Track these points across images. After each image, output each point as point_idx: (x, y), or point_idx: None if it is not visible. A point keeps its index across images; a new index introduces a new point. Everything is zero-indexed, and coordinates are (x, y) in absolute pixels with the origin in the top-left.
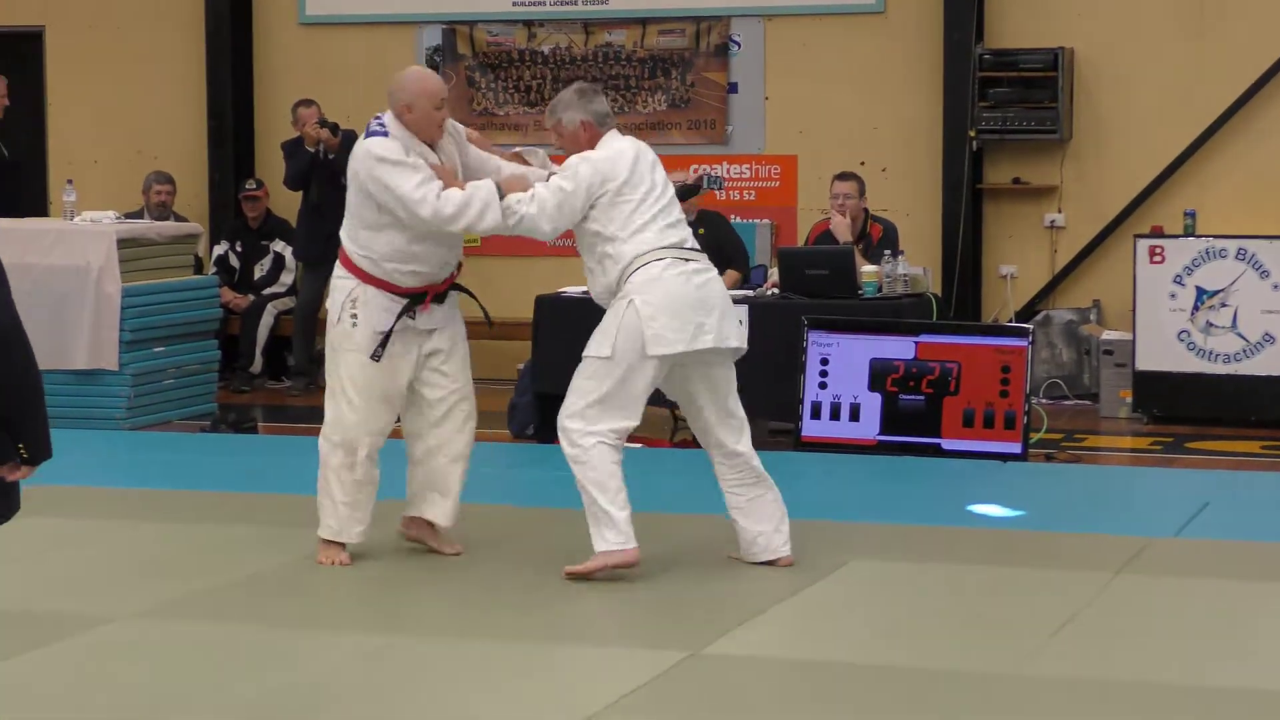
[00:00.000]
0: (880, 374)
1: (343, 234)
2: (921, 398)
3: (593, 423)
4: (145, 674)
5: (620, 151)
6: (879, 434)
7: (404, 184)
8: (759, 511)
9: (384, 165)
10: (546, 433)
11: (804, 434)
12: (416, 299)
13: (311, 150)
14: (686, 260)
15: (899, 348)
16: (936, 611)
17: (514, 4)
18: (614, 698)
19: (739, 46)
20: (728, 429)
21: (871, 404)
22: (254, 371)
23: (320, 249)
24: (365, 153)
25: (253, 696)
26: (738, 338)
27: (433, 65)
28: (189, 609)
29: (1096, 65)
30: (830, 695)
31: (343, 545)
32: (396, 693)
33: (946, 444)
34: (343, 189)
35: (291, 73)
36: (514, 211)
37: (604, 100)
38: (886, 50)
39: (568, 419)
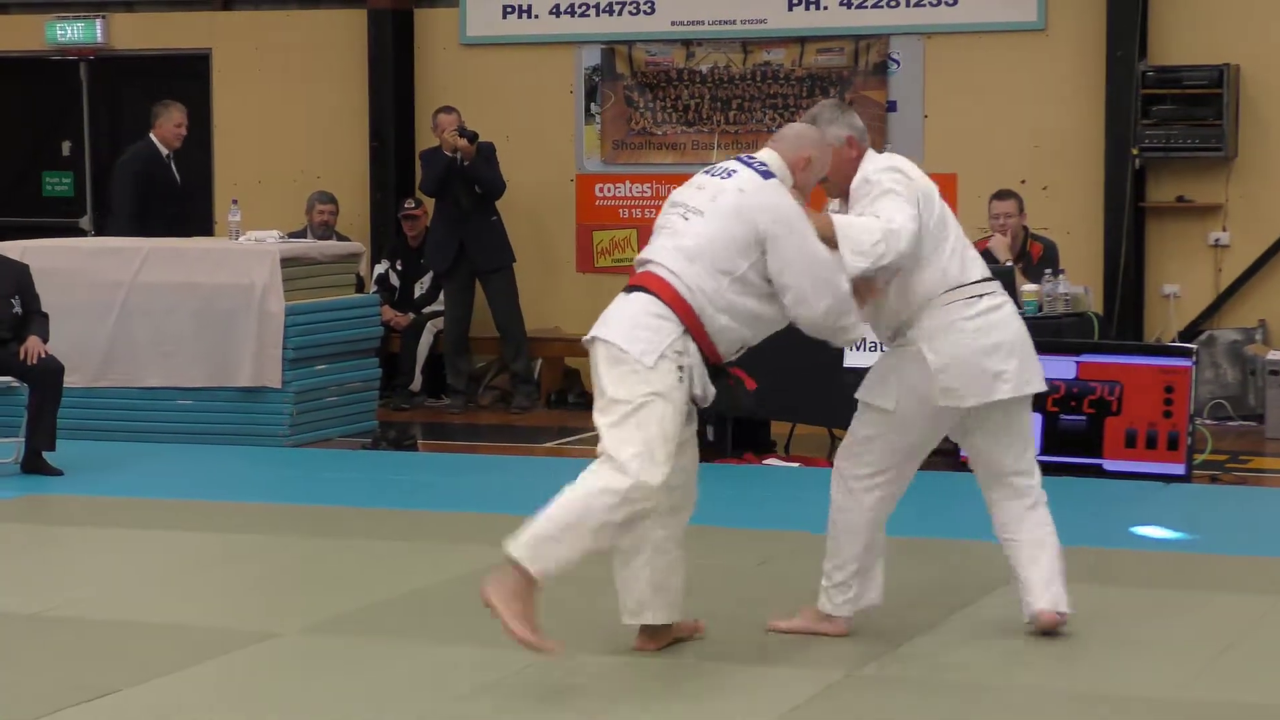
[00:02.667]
0: (1041, 394)
1: (674, 267)
2: (1083, 418)
3: (859, 467)
4: (309, 689)
5: (912, 169)
6: (1040, 454)
7: (814, 267)
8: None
9: (800, 226)
10: (705, 451)
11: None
12: (722, 372)
13: (449, 156)
14: (980, 296)
15: (1060, 368)
16: (1096, 634)
17: (673, 24)
18: (774, 716)
19: (898, 65)
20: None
21: (1032, 424)
22: (414, 389)
23: (452, 257)
24: (775, 196)
25: (413, 714)
26: (1039, 380)
27: (591, 85)
28: (352, 625)
29: (1262, 82)
30: (990, 717)
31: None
32: (556, 710)
33: (1108, 465)
34: (476, 196)
35: (452, 93)
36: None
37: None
38: (1048, 68)
39: (841, 459)
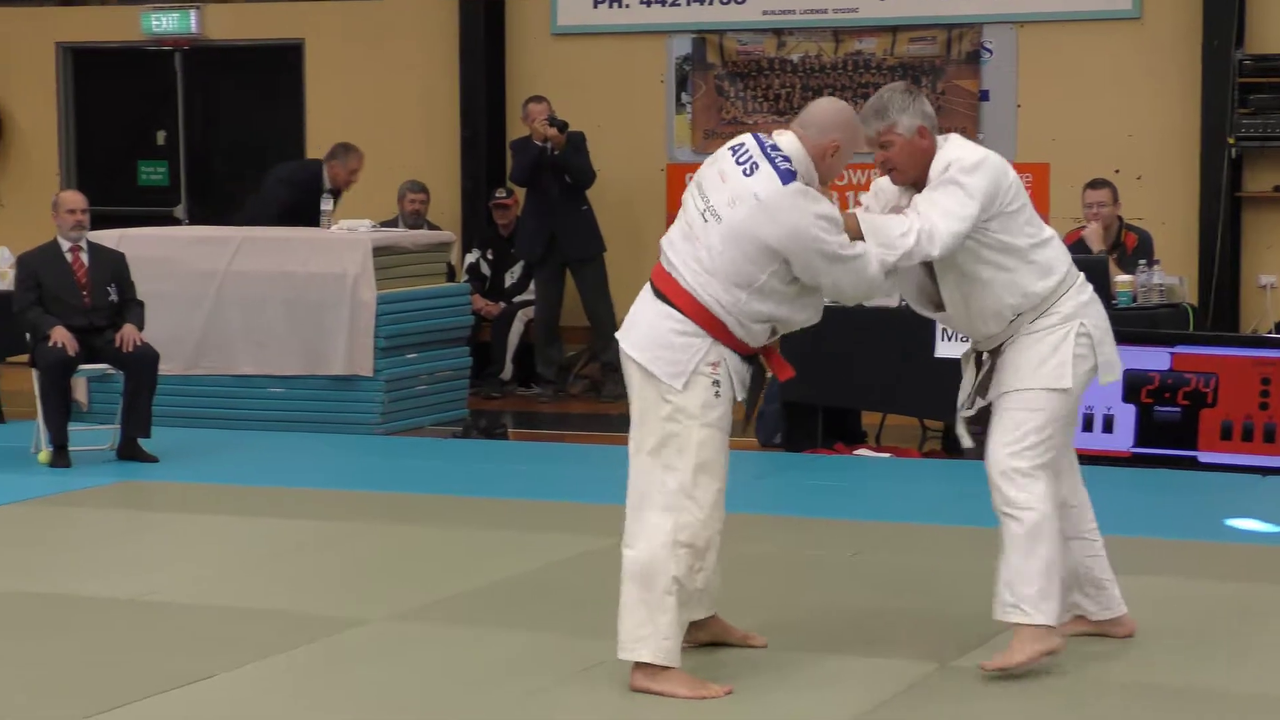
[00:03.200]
0: (1135, 385)
1: (692, 280)
2: (1177, 409)
3: (1040, 463)
4: (397, 676)
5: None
6: (1133, 446)
7: (838, 266)
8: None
9: (817, 234)
10: (795, 440)
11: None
12: (757, 362)
13: (540, 145)
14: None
15: (1154, 358)
16: (1192, 629)
17: (764, 13)
18: (868, 706)
19: (991, 54)
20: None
21: (1126, 415)
22: (504, 378)
23: (542, 247)
24: (788, 208)
25: (500, 701)
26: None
27: (682, 74)
28: (440, 612)
29: None
30: (1084, 712)
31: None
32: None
33: (1203, 456)
34: (566, 186)
35: (543, 82)
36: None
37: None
38: (1142, 56)
39: (1011, 457)
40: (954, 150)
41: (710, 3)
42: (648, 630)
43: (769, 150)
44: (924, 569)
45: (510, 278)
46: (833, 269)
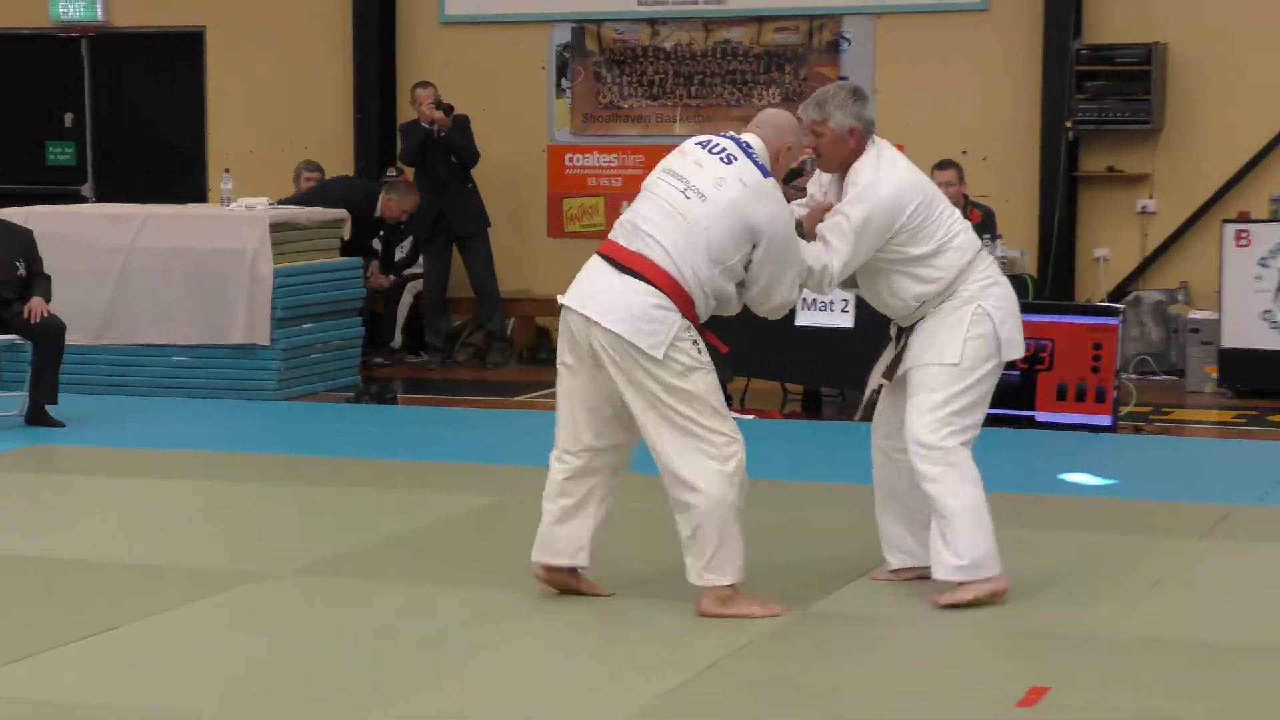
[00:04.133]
0: None
1: (675, 254)
2: (1017, 373)
3: (955, 434)
4: (300, 626)
5: (899, 188)
6: None
7: (787, 277)
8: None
9: (789, 236)
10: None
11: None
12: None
13: (427, 128)
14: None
15: None
16: (1031, 575)
17: (639, 3)
18: (729, 651)
19: (849, 43)
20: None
21: None
22: (395, 347)
23: (431, 223)
24: (777, 202)
25: (393, 648)
26: None
27: (562, 61)
28: (339, 567)
29: (1189, 59)
30: (931, 652)
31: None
32: (515, 646)
33: (1040, 416)
34: (453, 166)
35: (431, 68)
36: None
37: (873, 108)
38: (989, 45)
39: (924, 432)
40: (867, 174)
41: None
42: (723, 556)
43: (744, 146)
44: (785, 523)
45: (400, 252)
46: (785, 265)
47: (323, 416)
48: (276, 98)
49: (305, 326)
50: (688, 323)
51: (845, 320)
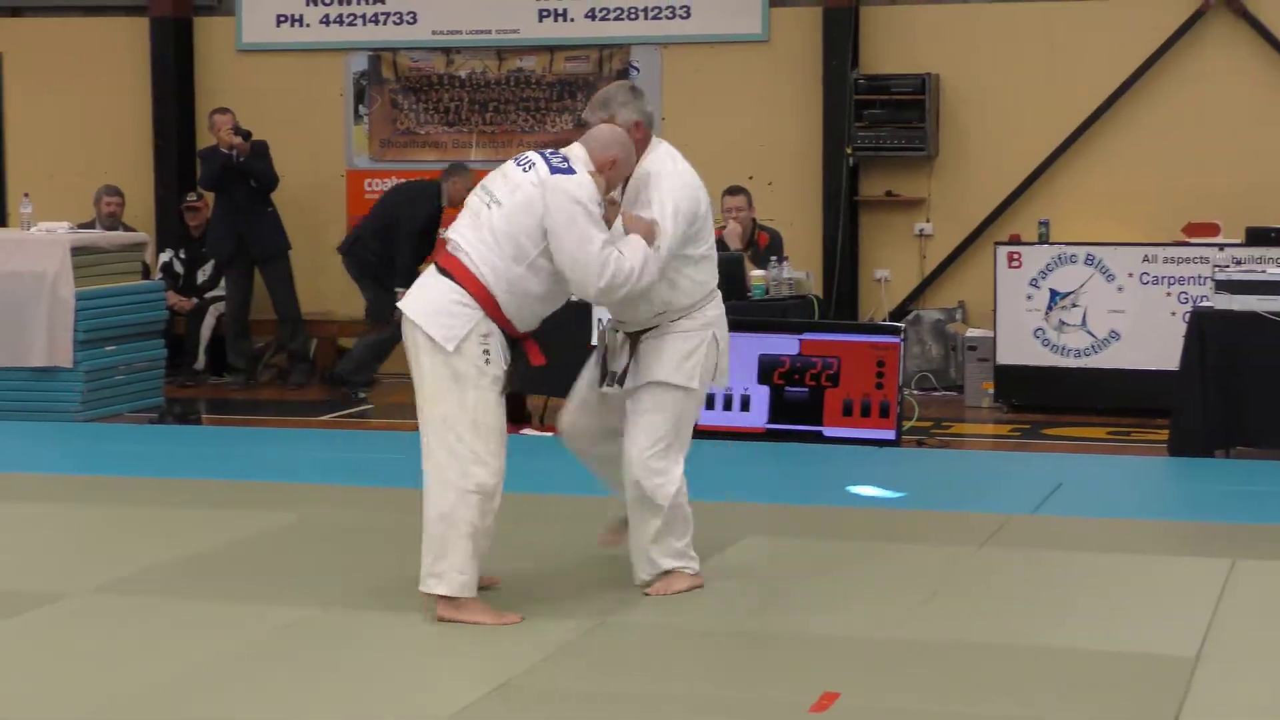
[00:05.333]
0: (768, 368)
1: (475, 256)
2: (805, 390)
3: (678, 453)
4: (97, 644)
5: (693, 176)
6: (767, 422)
7: (591, 247)
8: None
9: (580, 212)
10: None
11: (699, 422)
12: (518, 347)
13: (226, 153)
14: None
15: (785, 344)
16: (819, 582)
17: (433, 33)
18: (527, 665)
19: (638, 71)
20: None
21: (760, 395)
22: (198, 368)
23: (232, 247)
24: (561, 190)
25: (188, 663)
26: None
27: (359, 88)
28: (141, 584)
29: (960, 90)
30: (723, 658)
31: (474, 599)
32: (313, 663)
33: (828, 431)
34: (252, 190)
35: (229, 96)
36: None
37: (648, 101)
38: (771, 75)
39: (650, 456)
40: (668, 164)
41: (384, 23)
42: (443, 566)
43: (547, 155)
44: (576, 535)
45: (202, 275)
46: (576, 253)
47: (126, 437)
48: (76, 123)
49: (108, 348)
50: (490, 329)
51: None
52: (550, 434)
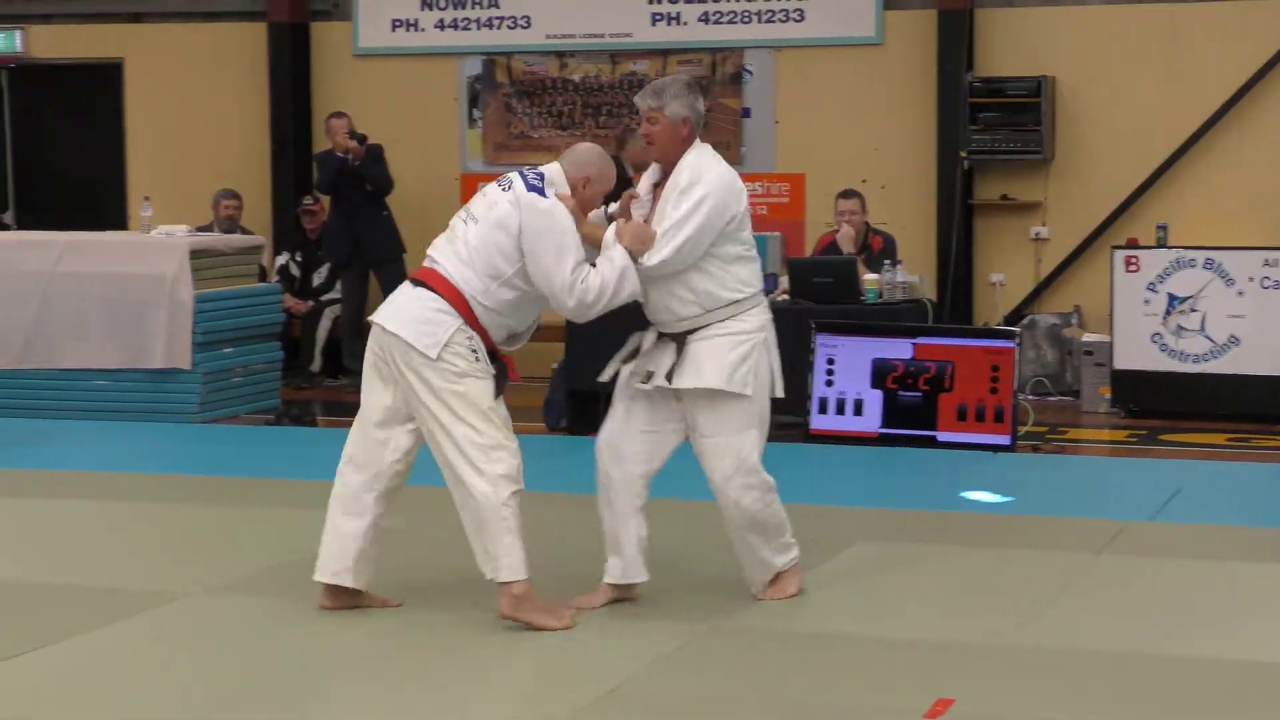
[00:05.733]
0: (881, 372)
1: (451, 270)
2: (919, 394)
3: (758, 459)
4: (212, 646)
5: (734, 176)
6: (880, 427)
7: (563, 267)
8: None
9: (553, 232)
10: (578, 425)
11: (812, 427)
12: (497, 361)
13: (341, 157)
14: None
15: (898, 349)
16: (934, 588)
17: (547, 37)
18: (640, 667)
19: (751, 75)
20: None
21: (873, 400)
22: (313, 370)
23: (347, 251)
24: (535, 209)
25: (291, 667)
26: None
27: (474, 92)
28: (253, 586)
29: (1077, 92)
30: (836, 664)
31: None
32: (422, 667)
33: (941, 436)
34: (367, 194)
35: (345, 100)
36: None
37: (703, 101)
38: (885, 78)
39: (736, 474)
40: (703, 165)
41: (498, 27)
42: (497, 554)
43: (525, 174)
44: (691, 539)
45: (318, 278)
46: (550, 271)
47: (243, 439)
48: (195, 127)
49: (226, 351)
50: (471, 332)
51: None
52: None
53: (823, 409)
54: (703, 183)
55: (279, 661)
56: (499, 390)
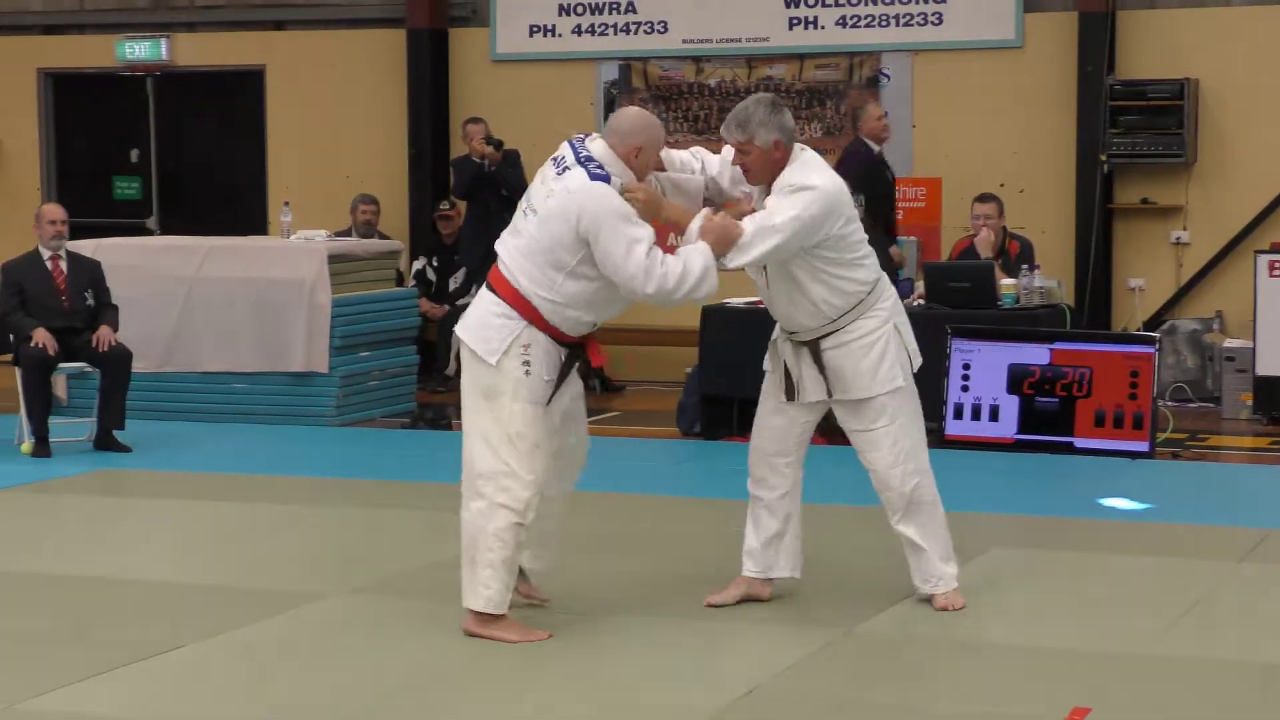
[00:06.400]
0: (1018, 378)
1: (513, 266)
2: (1056, 400)
3: (923, 450)
4: (354, 645)
5: (839, 187)
6: (1016, 433)
7: (635, 254)
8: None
9: (617, 223)
10: (712, 430)
11: (948, 432)
12: (577, 350)
13: (478, 162)
14: None
15: (1035, 354)
16: (1071, 596)
17: (684, 42)
18: (776, 670)
19: (889, 79)
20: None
21: (1010, 405)
22: (449, 374)
23: (483, 255)
24: (595, 198)
25: (436, 665)
26: None
27: (610, 97)
28: (395, 587)
29: (1219, 94)
30: (972, 672)
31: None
32: (568, 665)
33: (1079, 442)
34: (503, 199)
35: (482, 105)
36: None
37: (790, 115)
38: (1024, 81)
39: (902, 464)
40: (798, 176)
41: (635, 32)
42: (471, 580)
43: (581, 157)
44: (827, 545)
45: (454, 282)
46: (624, 259)
47: (379, 442)
48: (334, 133)
49: (363, 354)
50: (534, 339)
51: None
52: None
53: (958, 414)
54: (801, 196)
55: (420, 661)
56: (551, 393)
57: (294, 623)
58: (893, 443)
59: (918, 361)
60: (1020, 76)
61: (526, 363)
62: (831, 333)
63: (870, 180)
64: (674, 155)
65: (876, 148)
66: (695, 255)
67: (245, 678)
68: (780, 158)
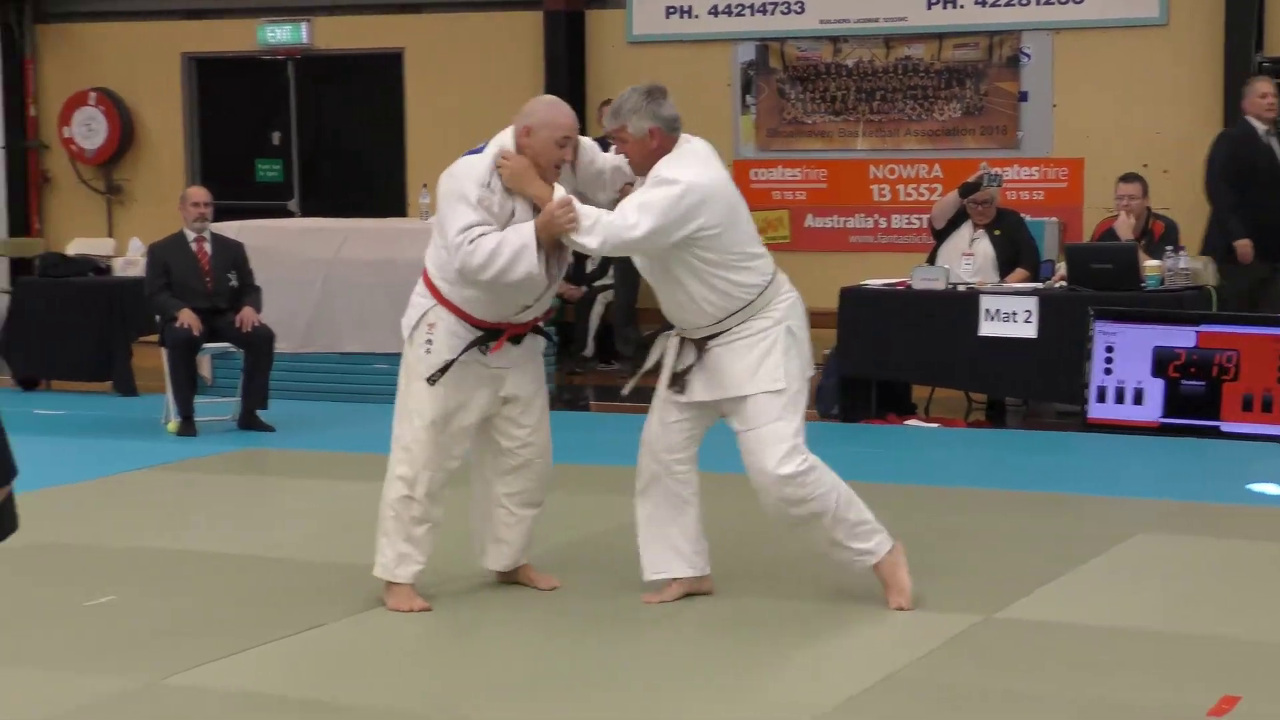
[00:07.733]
0: (1163, 361)
1: (428, 249)
2: (1202, 383)
3: (803, 449)
4: (501, 624)
5: (714, 185)
6: (1161, 416)
7: (452, 226)
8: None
9: (448, 193)
10: (851, 412)
11: (1090, 416)
12: (490, 335)
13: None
14: None
15: (1181, 336)
16: (1218, 583)
17: (821, 22)
18: (914, 657)
19: (1029, 58)
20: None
21: (1154, 389)
22: (587, 355)
23: None
24: (445, 178)
25: (564, 655)
26: None
27: (746, 79)
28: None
29: None
30: (1116, 660)
31: (410, 586)
32: (702, 647)
33: (1226, 426)
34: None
35: (619, 86)
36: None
37: (672, 104)
38: (1169, 59)
39: (782, 468)
40: (664, 168)
41: (772, 13)
42: (380, 544)
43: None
44: (965, 528)
45: (591, 264)
46: (444, 234)
47: None
48: (471, 115)
49: None
50: (438, 318)
51: (1029, 330)
52: (934, 425)
53: (1101, 398)
54: (662, 189)
55: (561, 643)
56: (444, 373)
57: (437, 604)
58: (775, 452)
59: (810, 373)
60: (1164, 54)
61: (429, 341)
62: (720, 333)
63: (1242, 161)
64: (599, 155)
65: (1263, 127)
66: (512, 235)
67: (383, 658)
68: (656, 147)
